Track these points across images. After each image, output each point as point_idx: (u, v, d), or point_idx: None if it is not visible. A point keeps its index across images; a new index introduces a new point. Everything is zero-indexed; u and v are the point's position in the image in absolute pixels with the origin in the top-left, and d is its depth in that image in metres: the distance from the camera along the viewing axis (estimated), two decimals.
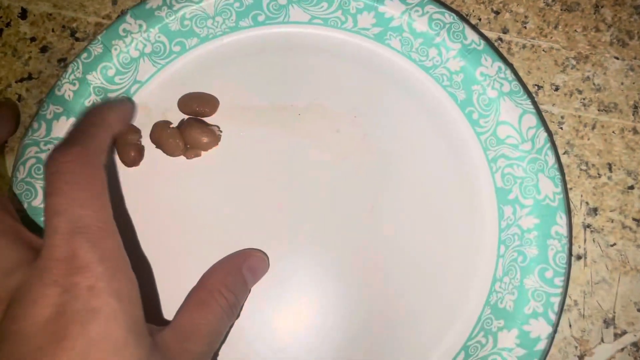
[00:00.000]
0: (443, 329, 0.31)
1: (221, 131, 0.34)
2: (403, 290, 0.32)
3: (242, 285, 0.30)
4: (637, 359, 0.32)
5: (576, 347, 0.32)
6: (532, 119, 0.32)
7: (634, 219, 0.33)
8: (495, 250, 0.32)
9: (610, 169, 0.34)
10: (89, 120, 0.29)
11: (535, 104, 0.33)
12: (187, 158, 0.34)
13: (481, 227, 0.32)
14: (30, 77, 0.37)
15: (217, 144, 0.34)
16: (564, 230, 0.31)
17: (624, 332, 0.32)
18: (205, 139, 0.33)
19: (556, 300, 0.30)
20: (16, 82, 0.37)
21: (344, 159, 0.34)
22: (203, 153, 0.34)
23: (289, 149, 0.34)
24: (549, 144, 0.32)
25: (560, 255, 0.30)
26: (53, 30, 0.38)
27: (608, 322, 0.32)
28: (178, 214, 0.33)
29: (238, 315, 0.31)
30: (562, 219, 0.31)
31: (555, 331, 0.31)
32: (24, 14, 0.38)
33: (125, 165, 0.33)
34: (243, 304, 0.31)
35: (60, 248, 0.23)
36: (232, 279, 0.30)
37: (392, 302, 0.32)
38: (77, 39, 0.37)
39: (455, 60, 0.33)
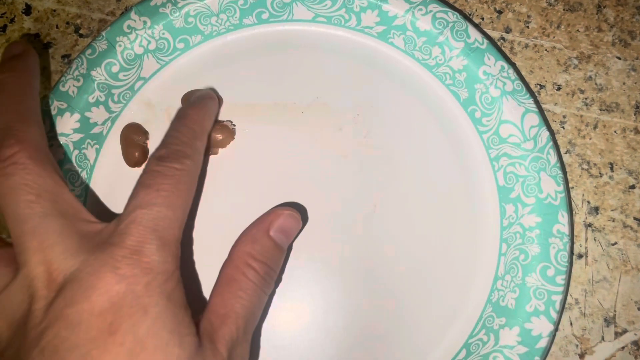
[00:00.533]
0: (444, 327, 0.31)
1: (234, 125, 0.34)
2: (405, 288, 0.32)
3: (273, 250, 0.29)
4: (638, 358, 0.32)
5: (577, 346, 0.32)
6: (534, 118, 0.32)
7: (635, 219, 0.34)
8: (497, 248, 0.32)
9: (611, 169, 0.34)
10: (193, 128, 0.30)
11: (537, 103, 0.33)
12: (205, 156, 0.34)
13: (483, 225, 0.33)
14: None
15: (234, 138, 0.34)
16: (565, 229, 0.31)
17: (625, 331, 0.32)
18: (220, 136, 0.33)
19: (558, 298, 0.30)
20: None
21: (347, 157, 0.34)
22: (220, 150, 0.34)
23: (292, 146, 0.34)
24: (551, 143, 0.32)
25: (562, 254, 0.30)
26: (57, 27, 0.37)
27: (609, 321, 0.32)
28: None
29: (280, 280, 0.31)
30: (563, 218, 0.31)
31: (556, 329, 0.31)
32: (28, 10, 0.38)
33: (128, 165, 0.33)
34: (282, 268, 0.31)
35: (133, 238, 0.24)
36: (259, 247, 0.28)
37: (394, 299, 0.32)
38: (81, 36, 0.37)
39: (458, 59, 0.33)
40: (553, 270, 0.30)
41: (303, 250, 0.32)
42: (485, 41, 0.33)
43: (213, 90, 0.34)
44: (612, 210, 0.34)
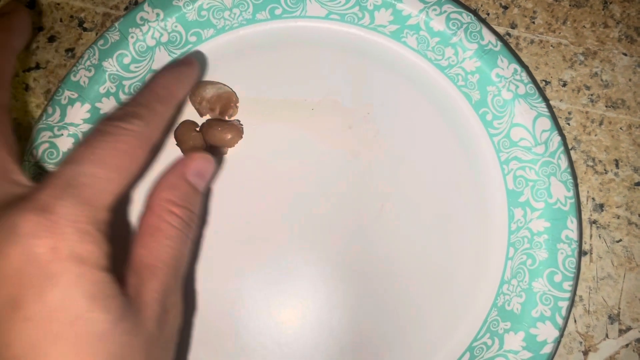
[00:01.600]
0: (449, 329, 0.31)
1: (242, 124, 0.33)
2: (410, 289, 0.32)
3: (192, 194, 0.27)
4: None
5: (581, 343, 0.32)
6: (546, 122, 0.31)
7: None
8: (504, 252, 0.32)
9: (617, 166, 0.34)
10: (156, 91, 0.28)
11: (549, 107, 0.33)
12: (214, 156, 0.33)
13: (491, 228, 0.32)
14: (37, 67, 0.36)
15: (242, 137, 0.33)
16: (574, 235, 0.30)
17: (629, 328, 0.32)
18: (228, 136, 0.33)
19: (564, 304, 0.30)
20: (24, 71, 0.36)
21: (356, 156, 0.33)
22: (229, 150, 0.33)
23: (301, 143, 0.33)
24: (562, 148, 0.31)
25: (570, 260, 0.30)
26: (61, 20, 0.37)
27: (613, 318, 0.32)
28: None
29: (205, 222, 0.31)
30: (572, 223, 0.30)
31: (562, 335, 0.30)
32: (32, 4, 0.37)
33: None
34: (201, 212, 0.29)
35: (45, 192, 0.22)
36: (179, 192, 0.27)
37: (399, 300, 0.31)
38: (85, 29, 0.37)
39: (471, 61, 0.33)
40: (560, 276, 0.30)
41: (309, 248, 0.32)
42: (499, 43, 0.32)
43: (195, 55, 0.33)
44: (617, 207, 0.33)
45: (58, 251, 0.21)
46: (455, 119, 0.33)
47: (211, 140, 0.33)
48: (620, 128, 0.34)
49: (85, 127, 0.32)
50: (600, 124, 0.34)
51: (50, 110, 0.32)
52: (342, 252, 0.32)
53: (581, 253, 0.32)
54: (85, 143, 0.24)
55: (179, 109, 0.33)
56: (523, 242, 0.31)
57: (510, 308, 0.30)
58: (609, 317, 0.32)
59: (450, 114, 0.33)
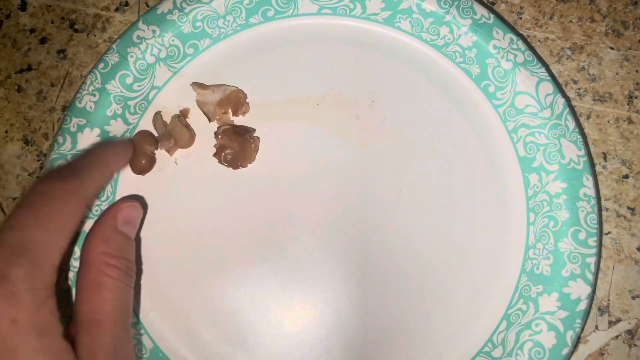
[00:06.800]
0: (481, 301, 0.31)
1: (257, 137, 0.33)
2: (436, 267, 0.31)
3: (125, 242, 0.27)
4: (632, 347, 0.31)
5: None
6: (548, 86, 0.31)
7: (628, 208, 0.32)
8: (525, 218, 0.31)
9: (605, 159, 0.33)
10: (91, 159, 0.28)
11: (550, 71, 0.32)
12: (233, 169, 0.32)
13: (508, 197, 0.32)
14: (29, 68, 0.36)
15: (257, 152, 0.33)
16: (591, 192, 0.30)
17: (619, 320, 0.31)
18: (253, 146, 0.32)
19: (592, 260, 0.29)
20: (16, 73, 0.36)
21: (367, 145, 0.32)
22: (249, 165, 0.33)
23: (311, 139, 0.33)
24: (567, 109, 0.31)
25: (591, 216, 0.29)
26: (52, 22, 0.36)
27: (602, 310, 0.31)
28: (202, 209, 0.32)
29: (142, 271, 0.31)
30: (588, 181, 0.30)
31: (594, 291, 0.30)
32: (23, 6, 0.37)
33: (132, 171, 0.32)
34: (134, 257, 0.28)
35: None
36: (113, 244, 0.26)
37: (427, 279, 0.31)
38: (76, 31, 0.36)
39: (467, 37, 0.32)
40: (584, 234, 0.29)
41: (333, 240, 0.31)
42: (492, 16, 0.32)
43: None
44: (606, 199, 0.33)
45: (18, 324, 0.21)
46: (458, 95, 0.33)
47: (236, 151, 0.32)
48: (608, 121, 0.34)
49: None
50: (588, 117, 0.34)
51: (60, 139, 0.31)
52: (367, 240, 0.31)
53: (601, 208, 0.32)
54: (25, 206, 0.24)
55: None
56: (542, 205, 0.30)
57: (540, 271, 0.30)
58: (599, 309, 0.32)
59: (452, 91, 0.33)
